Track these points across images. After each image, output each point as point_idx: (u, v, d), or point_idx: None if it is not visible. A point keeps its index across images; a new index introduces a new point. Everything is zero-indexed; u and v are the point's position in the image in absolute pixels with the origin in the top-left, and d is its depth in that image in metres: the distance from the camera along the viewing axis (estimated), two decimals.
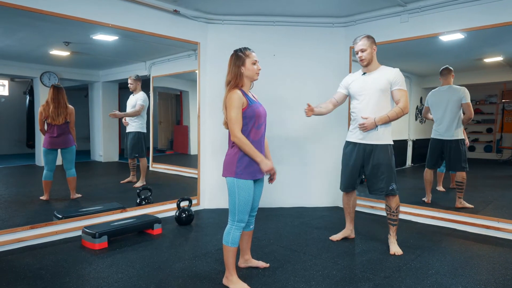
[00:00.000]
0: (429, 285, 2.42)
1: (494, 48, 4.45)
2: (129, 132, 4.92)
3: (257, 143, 2.36)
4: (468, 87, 4.22)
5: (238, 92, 2.28)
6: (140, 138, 4.92)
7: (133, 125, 4.91)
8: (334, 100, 3.28)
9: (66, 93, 4.25)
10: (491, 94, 6.34)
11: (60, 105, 4.12)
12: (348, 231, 3.42)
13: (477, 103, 6.26)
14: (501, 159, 6.08)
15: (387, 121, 2.94)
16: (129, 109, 4.92)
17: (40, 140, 4.72)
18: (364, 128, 2.96)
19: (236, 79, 2.33)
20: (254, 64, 2.37)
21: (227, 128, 2.33)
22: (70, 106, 4.22)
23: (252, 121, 2.31)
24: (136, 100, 4.86)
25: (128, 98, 5.23)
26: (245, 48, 2.40)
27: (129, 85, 4.84)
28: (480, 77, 5.21)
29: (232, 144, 2.34)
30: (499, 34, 3.68)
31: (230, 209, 2.36)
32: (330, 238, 3.39)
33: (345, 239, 3.38)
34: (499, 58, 4.60)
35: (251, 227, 2.61)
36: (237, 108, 2.26)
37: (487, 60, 4.68)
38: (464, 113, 4.14)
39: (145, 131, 4.97)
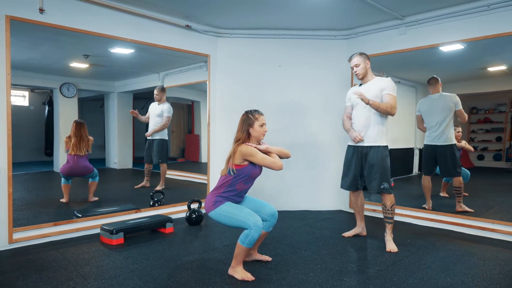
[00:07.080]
0: (419, 278, 2.60)
1: (497, 57, 4.56)
2: (154, 140, 5.20)
3: (238, 194, 2.66)
4: (475, 96, 4.25)
5: (248, 146, 2.59)
6: (165, 145, 5.21)
7: (158, 133, 5.19)
8: (349, 114, 3.57)
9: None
10: (500, 103, 6.36)
11: (82, 139, 4.49)
12: (359, 228, 3.67)
13: (486, 112, 6.29)
14: (511, 167, 6.13)
15: (377, 106, 3.18)
16: (152, 116, 5.19)
17: (59, 147, 5.03)
18: (360, 94, 3.18)
19: (244, 139, 2.64)
20: (262, 126, 2.67)
21: (223, 174, 2.66)
22: (90, 137, 4.59)
23: (245, 177, 2.62)
24: (161, 110, 5.12)
25: (144, 107, 5.45)
26: (255, 111, 2.70)
27: (155, 96, 5.13)
28: (487, 86, 5.27)
29: (215, 188, 2.67)
30: (500, 43, 3.79)
31: (240, 226, 2.50)
32: (343, 234, 3.66)
33: (356, 236, 3.64)
34: (502, 67, 4.68)
35: (270, 229, 2.79)
36: (257, 153, 2.56)
37: (491, 69, 4.77)
38: (458, 118, 4.29)
39: (167, 138, 5.26)
